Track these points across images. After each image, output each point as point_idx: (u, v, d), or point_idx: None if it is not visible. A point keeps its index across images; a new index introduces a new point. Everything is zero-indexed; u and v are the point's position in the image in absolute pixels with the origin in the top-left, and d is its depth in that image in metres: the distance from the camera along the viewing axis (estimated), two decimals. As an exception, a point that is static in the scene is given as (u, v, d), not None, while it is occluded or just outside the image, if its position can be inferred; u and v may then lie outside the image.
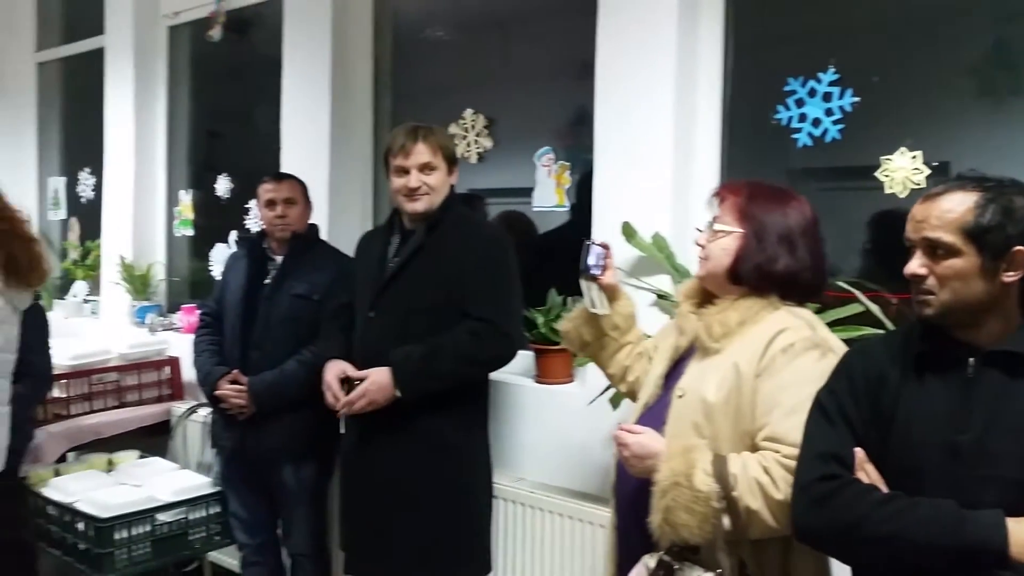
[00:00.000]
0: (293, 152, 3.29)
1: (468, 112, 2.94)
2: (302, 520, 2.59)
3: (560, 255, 2.75)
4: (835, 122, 2.12)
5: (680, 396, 1.47)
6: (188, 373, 3.49)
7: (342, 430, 2.60)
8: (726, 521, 1.31)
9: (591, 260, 1.66)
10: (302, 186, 2.73)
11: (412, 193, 2.15)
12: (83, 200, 4.59)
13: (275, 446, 2.55)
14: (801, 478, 1.25)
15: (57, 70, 4.92)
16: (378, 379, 2.08)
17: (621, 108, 2.34)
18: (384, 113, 3.30)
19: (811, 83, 2.16)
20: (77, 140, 4.79)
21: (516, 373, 2.49)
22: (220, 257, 3.80)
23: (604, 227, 2.35)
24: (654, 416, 1.52)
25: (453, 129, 2.95)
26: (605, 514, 2.16)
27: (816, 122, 2.15)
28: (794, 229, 1.48)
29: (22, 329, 2.53)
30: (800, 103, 2.18)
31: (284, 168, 3.21)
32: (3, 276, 2.14)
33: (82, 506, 2.51)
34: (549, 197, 2.72)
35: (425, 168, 2.15)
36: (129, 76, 4.05)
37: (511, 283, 2.19)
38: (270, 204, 2.65)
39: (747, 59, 2.34)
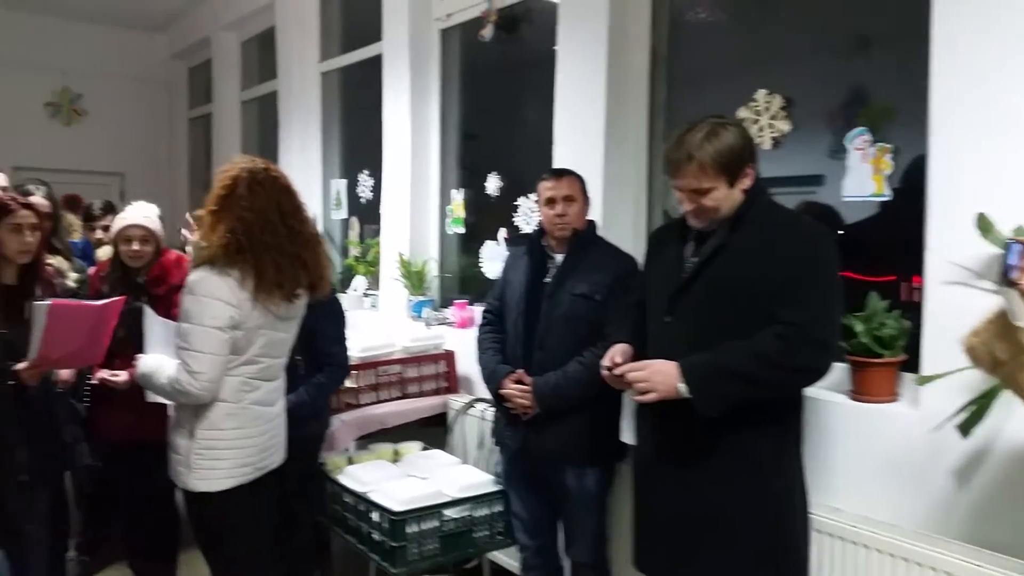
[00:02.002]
0: (566, 147, 3.22)
1: (762, 93, 2.67)
2: (585, 528, 2.50)
3: (876, 251, 2.44)
4: None
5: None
6: (462, 367, 3.58)
7: (624, 438, 2.49)
8: None
9: (1013, 260, 1.36)
10: (581, 182, 2.63)
11: (689, 215, 1.96)
12: (362, 200, 4.89)
13: (557, 448, 2.48)
14: None
15: (336, 79, 5.29)
16: (662, 367, 1.89)
17: (970, 78, 1.96)
18: (659, 102, 3.12)
19: None
20: (358, 143, 5.13)
21: (827, 388, 2.20)
22: (490, 254, 3.84)
23: (946, 219, 1.99)
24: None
25: (743, 113, 2.70)
26: (949, 559, 1.84)
27: None
28: None
29: (323, 322, 2.68)
30: None
31: (556, 164, 3.14)
32: (282, 281, 2.21)
33: (376, 497, 2.60)
34: (864, 185, 2.38)
35: (695, 193, 1.92)
36: (405, 80, 4.22)
37: (830, 285, 1.90)
38: (550, 202, 2.57)
39: None
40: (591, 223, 2.65)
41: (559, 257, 2.59)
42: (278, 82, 5.59)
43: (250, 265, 2.14)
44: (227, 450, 2.19)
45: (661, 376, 1.88)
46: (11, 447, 2.42)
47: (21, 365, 2.48)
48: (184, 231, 3.20)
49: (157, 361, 2.29)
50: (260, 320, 2.18)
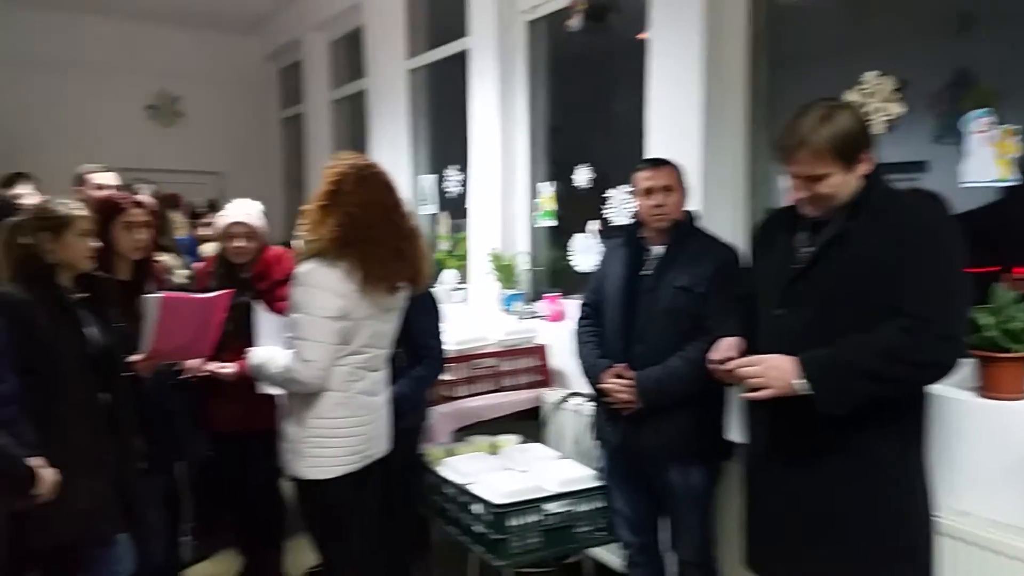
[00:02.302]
0: (660, 136, 3.16)
1: (871, 75, 2.55)
2: (691, 526, 2.46)
3: (982, 240, 2.30)
4: None
5: None
6: (555, 360, 3.57)
7: (729, 436, 2.43)
8: None
9: None
10: (679, 172, 2.57)
11: (802, 203, 1.89)
12: (449, 195, 4.93)
13: (660, 445, 2.44)
14: None
15: (423, 75, 5.34)
16: (777, 362, 1.82)
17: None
18: (759, 87, 3.02)
19: None
20: (445, 139, 5.17)
21: (953, 385, 2.09)
22: (580, 247, 3.82)
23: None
24: None
25: (851, 96, 2.59)
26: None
27: None
28: None
29: (420, 315, 2.72)
30: None
31: (650, 154, 3.08)
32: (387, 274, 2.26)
33: (477, 489, 2.61)
34: (986, 169, 2.25)
35: (809, 180, 1.84)
36: (492, 74, 4.22)
37: (956, 275, 1.80)
38: (648, 192, 2.52)
39: None
40: (690, 214, 2.59)
41: (657, 249, 2.54)
42: (366, 81, 5.68)
43: (357, 258, 2.20)
44: (336, 439, 2.27)
45: (776, 372, 1.82)
46: (130, 436, 2.54)
47: (136, 357, 2.60)
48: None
49: (269, 352, 2.38)
50: (366, 311, 2.25)
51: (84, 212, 2.40)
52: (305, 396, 2.26)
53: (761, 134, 3.01)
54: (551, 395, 3.37)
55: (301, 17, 6.58)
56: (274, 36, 7.22)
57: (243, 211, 3.13)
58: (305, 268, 2.22)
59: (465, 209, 4.60)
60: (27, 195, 3.69)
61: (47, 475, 2.06)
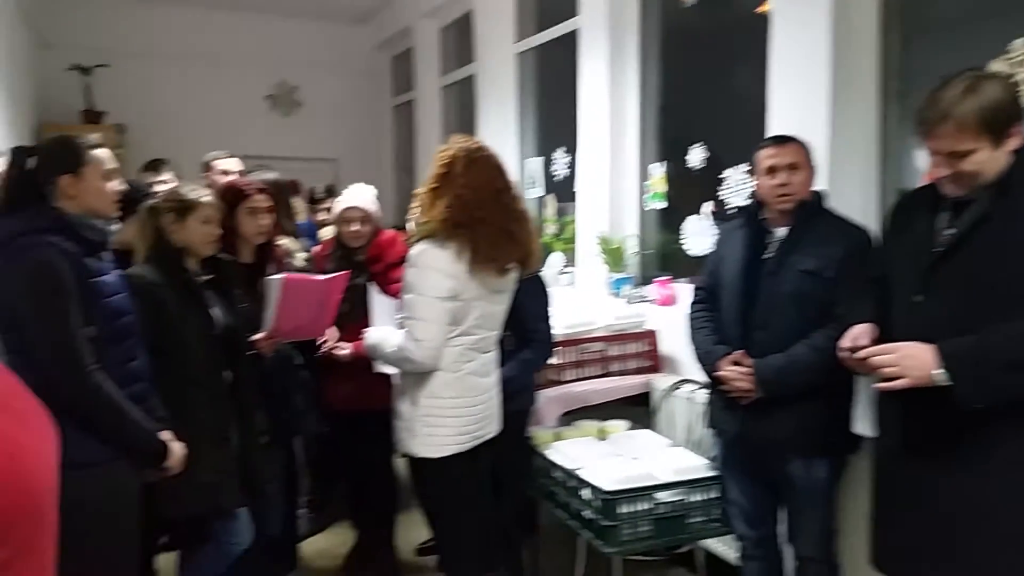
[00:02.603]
0: (784, 113, 3.00)
1: (1020, 42, 2.34)
2: (811, 521, 2.34)
3: None
4: None
5: None
6: (665, 346, 3.49)
7: (856, 428, 2.30)
8: None
9: None
10: (806, 149, 2.43)
11: (943, 182, 1.75)
12: (557, 178, 4.88)
13: (782, 437, 2.33)
14: None
15: (531, 58, 5.31)
16: (914, 351, 1.70)
17: None
18: (891, 59, 2.82)
19: None
20: (551, 121, 5.13)
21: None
22: (693, 230, 3.70)
23: None
24: None
25: (997, 66, 2.38)
26: None
27: None
28: None
29: (529, 298, 2.71)
30: None
31: (771, 131, 2.94)
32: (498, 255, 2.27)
33: (587, 475, 2.58)
34: None
35: (952, 157, 1.71)
36: (603, 53, 4.14)
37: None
38: (771, 171, 2.40)
39: None
40: (817, 194, 2.45)
41: (780, 231, 2.42)
42: (475, 66, 5.70)
43: (467, 239, 2.23)
44: (447, 418, 2.30)
45: (914, 361, 1.70)
46: (252, 412, 2.64)
47: (258, 336, 2.70)
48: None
49: (383, 332, 2.43)
50: (476, 292, 2.27)
51: (208, 199, 2.50)
52: (417, 376, 2.30)
53: (894, 108, 2.81)
54: (661, 381, 3.29)
55: (412, 5, 6.66)
56: (386, 24, 7.35)
57: (358, 196, 3.20)
58: (417, 249, 2.26)
59: (572, 192, 4.55)
60: (166, 180, 3.91)
61: (176, 449, 2.17)
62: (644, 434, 2.99)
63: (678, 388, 3.13)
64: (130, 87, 6.61)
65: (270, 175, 3.72)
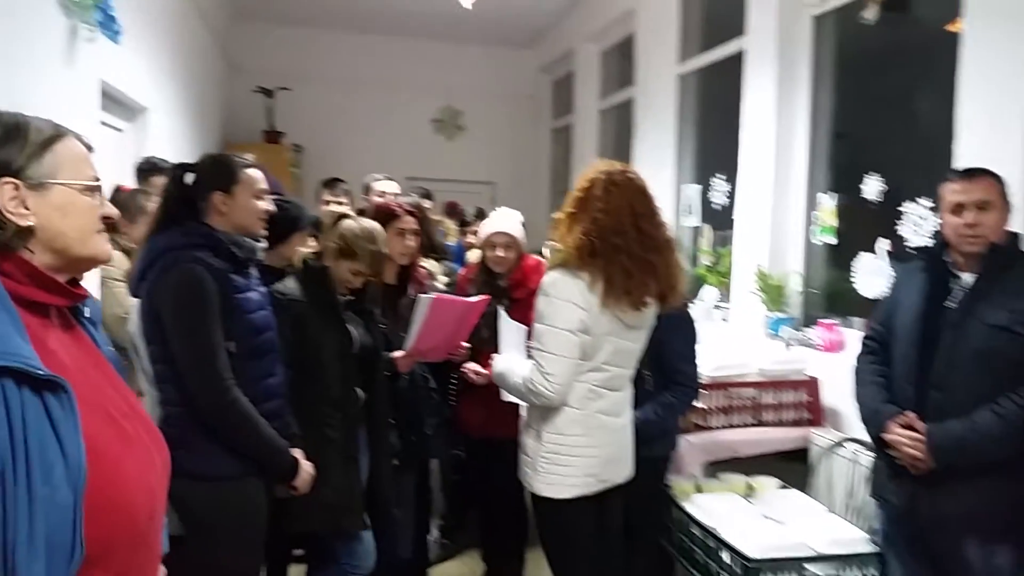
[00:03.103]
0: (974, 142, 2.65)
1: None
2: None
3: None
4: None
5: None
6: (828, 397, 3.17)
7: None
8: None
9: None
10: (999, 185, 2.11)
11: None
12: (715, 206, 4.64)
13: (959, 515, 2.01)
14: None
15: (692, 80, 5.10)
16: None
17: None
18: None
19: None
20: (711, 147, 4.90)
21: None
22: (865, 268, 3.35)
23: None
24: None
25: None
26: None
27: None
28: None
29: (672, 336, 2.52)
30: None
31: (961, 162, 2.59)
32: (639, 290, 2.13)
33: (729, 536, 2.36)
34: None
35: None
36: (770, 75, 3.88)
37: None
38: (957, 209, 2.10)
39: None
40: (1013, 236, 2.12)
41: (967, 277, 2.11)
42: (634, 89, 5.57)
43: (600, 269, 2.10)
44: (572, 457, 2.17)
45: None
46: (384, 433, 2.63)
47: (397, 353, 2.70)
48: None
49: (512, 361, 2.34)
50: (608, 326, 2.14)
51: (374, 248, 2.52)
52: (543, 410, 2.20)
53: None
54: (821, 437, 2.97)
55: (576, 28, 6.64)
56: (550, 48, 7.37)
57: (504, 221, 3.16)
58: (550, 278, 2.16)
59: (731, 221, 4.29)
60: (341, 200, 4.08)
61: (306, 468, 2.18)
62: (796, 496, 2.70)
63: (840, 447, 2.81)
64: (307, 109, 7.02)
65: (415, 195, 3.77)
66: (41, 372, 0.93)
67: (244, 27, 6.94)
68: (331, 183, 4.20)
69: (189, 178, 2.09)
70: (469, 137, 7.80)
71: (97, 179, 1.12)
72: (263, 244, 2.21)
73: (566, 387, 2.13)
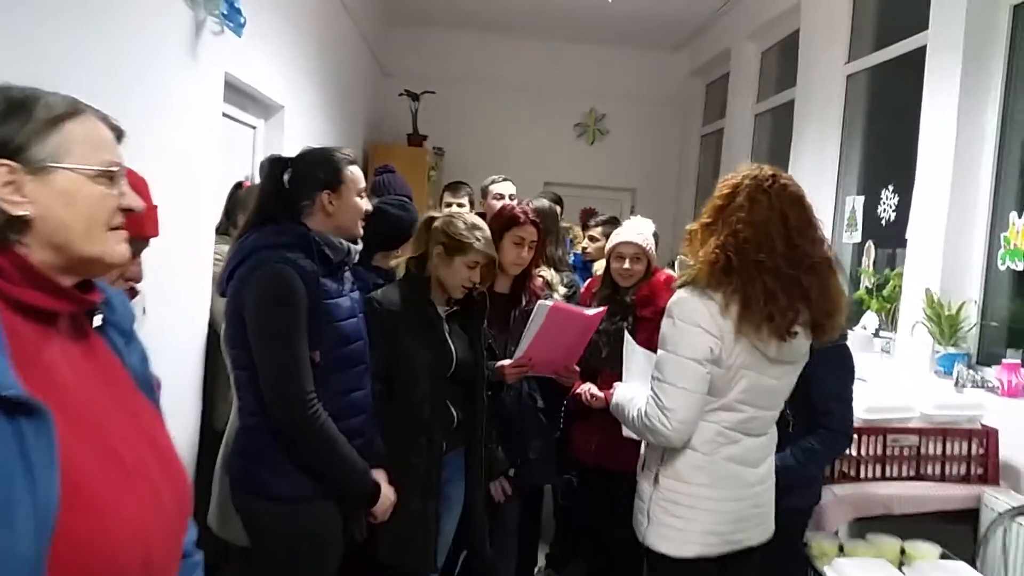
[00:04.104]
0: None
1: None
2: None
3: None
4: None
5: None
6: (1007, 451, 2.68)
7: None
8: None
9: None
10: None
11: None
12: (883, 222, 4.12)
13: None
14: None
15: (862, 81, 4.60)
16: None
17: None
18: None
19: None
20: (881, 155, 4.39)
21: None
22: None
23: None
24: None
25: None
26: None
27: None
28: None
29: (822, 370, 2.18)
30: None
31: None
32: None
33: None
34: None
35: None
36: (955, 75, 3.37)
37: None
38: None
39: None
40: None
41: None
42: (796, 90, 5.11)
43: (735, 289, 1.81)
44: (692, 508, 1.89)
45: None
46: (481, 460, 2.43)
47: (505, 362, 2.51)
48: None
49: (631, 392, 2.08)
50: (744, 358, 1.84)
51: (482, 246, 2.34)
52: (663, 450, 1.93)
53: None
54: (996, 499, 2.49)
55: (734, 27, 6.23)
56: (704, 49, 6.99)
57: (634, 230, 2.92)
58: (677, 297, 1.90)
59: (899, 239, 3.79)
60: (463, 203, 3.97)
61: (387, 495, 2.01)
62: (961, 569, 2.26)
63: (1021, 514, 2.34)
64: (450, 112, 7.02)
65: (544, 203, 3.55)
66: (9, 393, 0.79)
67: (396, 32, 7.03)
68: (454, 186, 4.08)
69: (287, 176, 1.98)
70: (611, 141, 7.54)
71: (115, 165, 0.97)
72: (358, 246, 2.07)
73: (689, 426, 1.85)
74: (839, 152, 4.67)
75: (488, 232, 2.42)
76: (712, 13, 6.43)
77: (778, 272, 1.81)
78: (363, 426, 1.98)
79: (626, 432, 2.17)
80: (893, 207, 4.03)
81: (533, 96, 7.33)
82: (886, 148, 4.31)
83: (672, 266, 3.59)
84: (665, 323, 1.89)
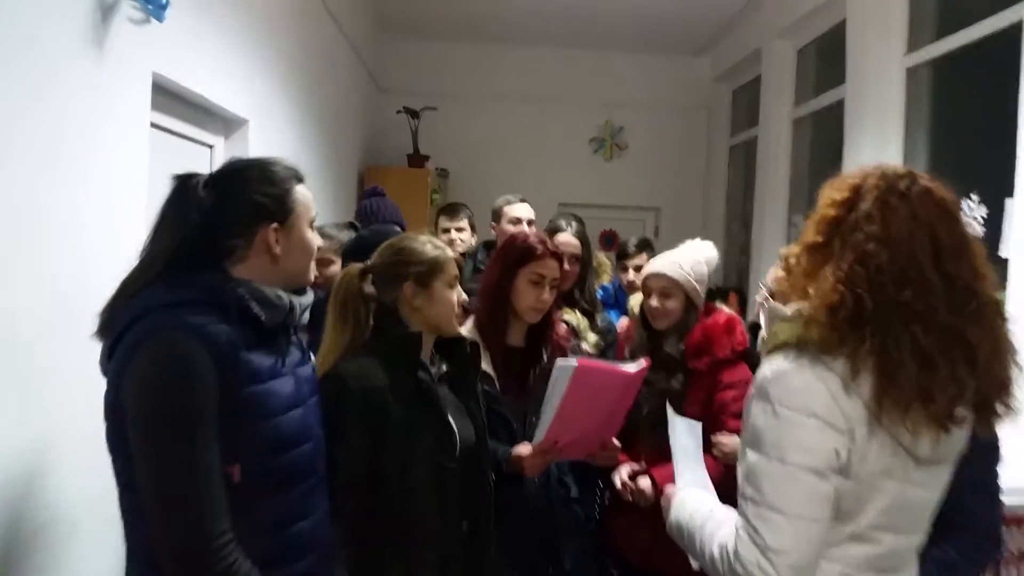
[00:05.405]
0: None
1: None
2: None
3: None
4: None
5: None
6: None
7: None
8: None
9: None
10: None
11: None
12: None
13: None
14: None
15: (925, 74, 3.99)
16: None
17: None
18: None
19: None
20: (959, 159, 3.78)
21: None
22: None
23: None
24: None
25: None
26: None
27: None
28: None
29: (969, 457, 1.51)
30: None
31: None
32: None
33: None
34: None
35: None
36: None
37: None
38: None
39: None
40: None
41: None
42: (845, 88, 4.49)
43: (871, 350, 1.16)
44: None
45: None
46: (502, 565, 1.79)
47: (523, 449, 1.87)
48: (761, 293, 2.32)
49: (702, 505, 1.42)
50: (884, 460, 1.20)
51: (450, 255, 1.73)
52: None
53: None
54: None
55: (765, 24, 5.64)
56: (730, 52, 6.40)
57: (668, 258, 2.30)
58: (772, 369, 1.23)
59: (991, 256, 3.12)
60: (463, 228, 3.38)
61: None
62: None
63: None
64: (453, 131, 6.48)
65: (572, 226, 2.89)
66: None
67: (391, 43, 6.50)
68: (451, 208, 3.46)
69: (207, 198, 1.34)
70: (630, 156, 6.92)
71: None
72: (309, 298, 1.44)
73: (804, 572, 1.19)
74: (902, 158, 4.03)
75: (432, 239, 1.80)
76: (737, 12, 5.86)
77: (932, 322, 1.17)
78: (314, 570, 1.32)
79: (695, 564, 1.49)
80: (981, 219, 3.38)
81: (543, 110, 6.74)
82: (965, 151, 3.70)
83: (720, 295, 2.94)
84: (757, 409, 1.24)
